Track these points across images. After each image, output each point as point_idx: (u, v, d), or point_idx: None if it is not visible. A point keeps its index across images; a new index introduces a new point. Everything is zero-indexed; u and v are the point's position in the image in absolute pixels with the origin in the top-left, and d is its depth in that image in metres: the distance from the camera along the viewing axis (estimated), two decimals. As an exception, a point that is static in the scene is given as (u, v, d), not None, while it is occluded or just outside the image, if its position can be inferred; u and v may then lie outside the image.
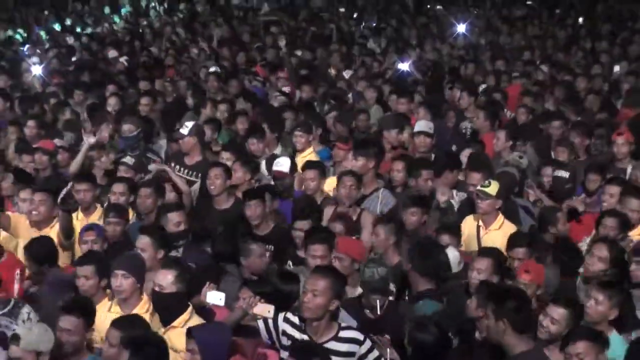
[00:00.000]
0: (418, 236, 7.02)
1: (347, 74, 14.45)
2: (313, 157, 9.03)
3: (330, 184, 8.25)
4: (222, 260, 6.85)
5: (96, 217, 7.74)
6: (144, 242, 6.54)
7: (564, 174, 8.31)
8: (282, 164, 8.40)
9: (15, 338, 5.04)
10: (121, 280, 5.88)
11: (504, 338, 5.17)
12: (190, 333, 5.02)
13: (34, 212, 7.43)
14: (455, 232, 7.25)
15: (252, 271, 6.70)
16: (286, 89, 12.86)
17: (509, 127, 10.05)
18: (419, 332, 5.28)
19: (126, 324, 5.27)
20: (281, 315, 5.40)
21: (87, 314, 5.42)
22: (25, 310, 5.98)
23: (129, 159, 8.76)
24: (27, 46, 17.65)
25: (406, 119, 10.29)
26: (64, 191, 7.24)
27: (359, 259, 6.49)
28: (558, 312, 5.42)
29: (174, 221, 7.15)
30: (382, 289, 6.01)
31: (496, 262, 6.38)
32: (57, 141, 9.42)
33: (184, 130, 8.84)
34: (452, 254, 6.70)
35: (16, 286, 6.55)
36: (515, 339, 5.17)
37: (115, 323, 5.30)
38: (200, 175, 8.61)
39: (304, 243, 6.71)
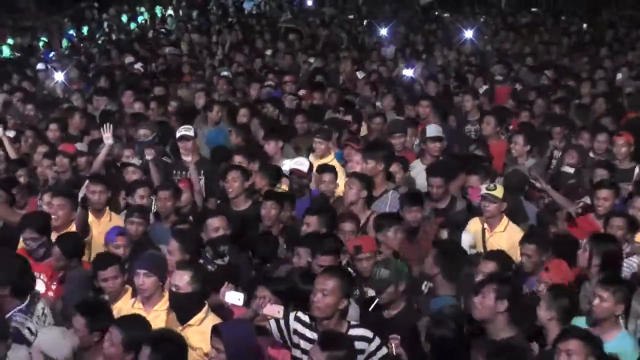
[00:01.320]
0: (445, 242, 6.95)
1: (360, 74, 14.53)
2: (334, 163, 8.97)
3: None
4: (264, 263, 6.85)
5: (106, 219, 7.81)
6: (173, 245, 6.59)
7: (569, 169, 8.35)
8: (302, 164, 8.39)
9: (33, 334, 5.11)
10: (143, 279, 5.94)
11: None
12: (215, 330, 5.00)
13: (54, 217, 7.41)
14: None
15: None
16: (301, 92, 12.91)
17: (526, 131, 9.96)
18: (437, 329, 5.28)
19: (127, 323, 5.22)
20: (292, 314, 5.42)
21: (97, 315, 5.37)
22: (40, 305, 5.98)
23: (136, 160, 8.81)
24: (51, 54, 17.76)
25: (413, 124, 10.33)
26: (83, 188, 7.29)
27: (376, 251, 6.59)
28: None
29: (214, 226, 7.11)
30: (379, 290, 5.99)
31: (501, 265, 6.40)
32: (78, 145, 9.49)
33: (189, 132, 8.93)
34: (465, 237, 6.78)
35: (53, 286, 6.71)
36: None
37: (116, 322, 5.26)
38: (202, 173, 8.74)
39: (311, 250, 6.61)
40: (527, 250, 6.79)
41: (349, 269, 6.48)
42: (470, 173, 8.24)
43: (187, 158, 8.86)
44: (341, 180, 8.39)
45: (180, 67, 16.18)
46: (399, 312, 5.92)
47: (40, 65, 15.91)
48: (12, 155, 9.69)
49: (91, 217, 7.72)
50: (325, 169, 8.40)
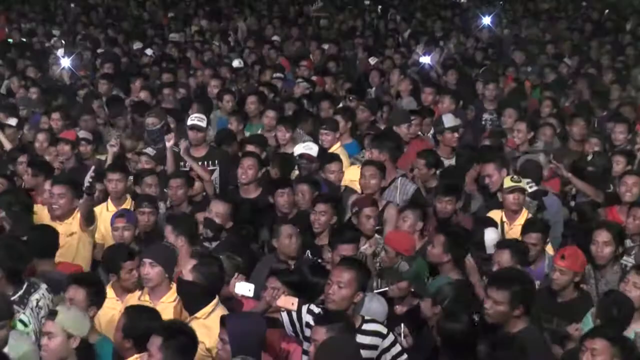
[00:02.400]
0: (453, 228, 7.00)
1: (372, 60, 14.50)
2: (340, 152, 9.00)
3: (353, 174, 8.34)
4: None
5: (127, 207, 7.77)
6: (167, 230, 6.70)
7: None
8: (312, 148, 8.42)
9: (53, 314, 5.07)
10: (148, 269, 5.94)
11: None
12: (222, 321, 5.03)
13: (54, 206, 7.40)
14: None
15: (283, 252, 6.74)
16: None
17: (529, 118, 9.99)
18: (449, 322, 5.30)
19: (131, 311, 5.35)
20: (305, 307, 5.42)
21: (95, 289, 5.47)
22: (36, 297, 5.83)
23: (150, 150, 8.84)
24: (54, 39, 17.77)
25: (429, 113, 10.32)
26: (88, 176, 7.28)
27: (407, 254, 6.59)
28: None
29: (215, 211, 7.22)
30: (392, 281, 6.06)
31: (516, 253, 6.42)
32: (81, 133, 9.44)
33: (202, 123, 8.92)
34: (490, 236, 6.80)
35: None
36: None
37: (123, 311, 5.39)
38: (217, 162, 8.77)
39: (329, 241, 6.73)
40: (532, 239, 6.83)
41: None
42: (486, 161, 8.22)
43: (186, 150, 8.67)
44: (345, 169, 8.45)
45: (185, 54, 16.20)
46: (411, 309, 5.96)
47: (60, 52, 15.94)
48: (7, 145, 9.60)
49: (112, 207, 7.78)
50: (332, 158, 8.42)
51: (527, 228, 7.00)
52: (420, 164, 8.31)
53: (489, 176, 8.02)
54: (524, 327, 5.37)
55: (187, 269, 5.65)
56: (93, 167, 7.54)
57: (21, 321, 5.63)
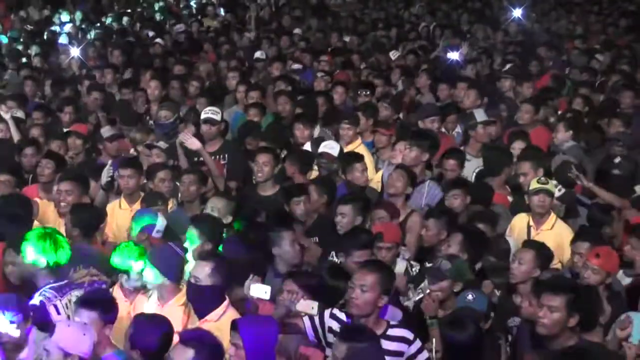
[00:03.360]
0: (469, 226, 7.01)
1: (393, 54, 14.46)
2: (361, 150, 9.04)
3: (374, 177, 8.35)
4: None
5: (140, 205, 7.72)
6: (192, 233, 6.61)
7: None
8: (333, 147, 8.40)
9: (59, 313, 5.13)
10: (148, 271, 5.94)
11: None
12: (234, 325, 5.03)
13: (62, 203, 7.40)
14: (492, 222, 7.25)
15: (286, 261, 6.58)
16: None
17: (566, 117, 9.98)
18: (453, 331, 5.25)
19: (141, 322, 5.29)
20: (327, 312, 5.41)
21: (106, 308, 5.41)
22: (74, 294, 5.84)
23: (162, 143, 8.84)
24: (66, 25, 17.84)
25: (454, 109, 10.30)
26: (106, 171, 7.28)
27: (399, 242, 6.63)
28: None
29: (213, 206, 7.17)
30: (433, 281, 6.01)
31: (540, 256, 6.39)
32: (104, 130, 9.44)
33: (216, 116, 8.91)
34: (512, 242, 6.82)
35: None
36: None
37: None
38: (227, 157, 8.78)
39: (344, 245, 6.66)
40: (581, 249, 6.73)
41: None
42: (522, 159, 8.19)
43: (199, 144, 8.61)
44: (369, 169, 8.46)
45: (198, 45, 16.22)
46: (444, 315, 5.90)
47: (63, 39, 16.02)
48: (16, 136, 9.64)
49: (125, 204, 7.77)
50: (354, 157, 8.38)
51: (577, 237, 6.90)
52: (450, 164, 8.28)
53: (524, 175, 7.97)
54: (578, 341, 5.22)
55: (204, 272, 5.63)
56: (111, 162, 7.49)
57: (55, 307, 5.66)
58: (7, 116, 9.67)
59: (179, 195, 8.01)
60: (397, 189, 7.72)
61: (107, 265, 6.24)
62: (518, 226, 7.61)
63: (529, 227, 7.54)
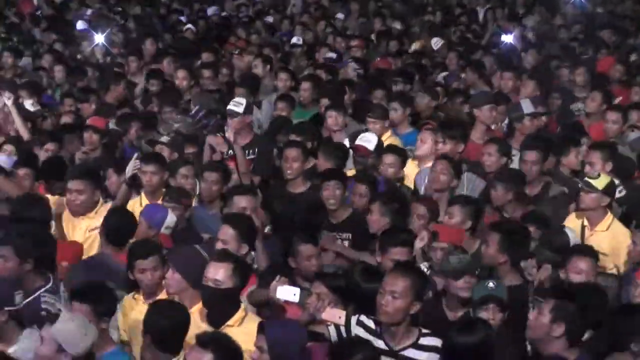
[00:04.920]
0: (509, 224, 6.95)
1: (435, 44, 14.37)
2: (392, 140, 9.05)
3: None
4: None
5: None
6: (228, 233, 6.50)
7: None
8: (369, 140, 8.35)
9: (55, 317, 5.15)
10: (170, 273, 5.95)
11: None
12: (261, 328, 5.06)
13: (74, 202, 7.39)
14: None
15: (301, 274, 6.50)
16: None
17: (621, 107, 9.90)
18: (461, 336, 5.19)
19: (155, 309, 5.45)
20: (354, 318, 5.41)
21: (100, 301, 5.50)
22: (62, 287, 6.06)
23: (164, 138, 8.86)
24: (89, 11, 18.01)
25: (504, 98, 10.25)
26: (131, 165, 7.26)
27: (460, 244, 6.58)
28: None
29: (240, 206, 7.13)
30: (472, 271, 6.01)
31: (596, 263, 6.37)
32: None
33: (237, 108, 8.90)
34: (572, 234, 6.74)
35: None
36: None
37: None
38: (256, 151, 8.80)
39: (379, 243, 6.64)
40: None
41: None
42: (594, 148, 8.16)
43: (230, 136, 8.68)
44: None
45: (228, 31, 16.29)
46: (463, 315, 5.90)
47: (80, 25, 16.19)
48: (25, 135, 9.53)
49: (145, 201, 7.76)
50: (387, 149, 8.38)
51: None
52: (492, 150, 8.27)
53: (591, 164, 7.94)
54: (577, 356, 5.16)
55: (224, 274, 5.60)
56: (136, 155, 7.51)
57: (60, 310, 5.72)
58: (9, 102, 9.67)
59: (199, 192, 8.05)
60: (442, 184, 7.71)
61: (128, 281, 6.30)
62: (572, 225, 7.48)
63: (583, 227, 7.47)
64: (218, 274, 5.60)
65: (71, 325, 5.04)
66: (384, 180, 8.15)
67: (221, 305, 5.63)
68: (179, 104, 10.34)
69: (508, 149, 8.45)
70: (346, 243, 7.37)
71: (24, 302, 5.76)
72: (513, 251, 6.45)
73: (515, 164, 8.51)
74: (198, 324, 5.61)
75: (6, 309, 5.42)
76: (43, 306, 5.88)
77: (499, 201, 7.59)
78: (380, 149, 8.39)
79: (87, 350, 5.05)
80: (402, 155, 8.34)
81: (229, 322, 5.59)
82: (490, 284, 5.81)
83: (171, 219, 7.03)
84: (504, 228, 6.62)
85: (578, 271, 6.28)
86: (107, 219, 6.85)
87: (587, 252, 6.45)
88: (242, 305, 5.71)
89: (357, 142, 8.38)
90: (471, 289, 5.92)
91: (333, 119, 9.37)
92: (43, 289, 6.01)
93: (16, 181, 7.88)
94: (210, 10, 18.45)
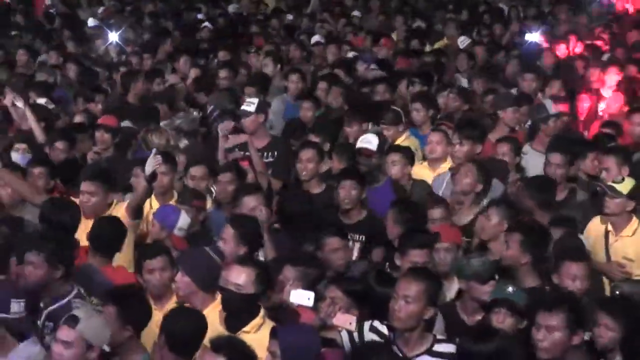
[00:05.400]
0: (529, 224, 6.91)
1: (462, 42, 14.31)
2: (408, 141, 9.08)
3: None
4: None
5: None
6: (228, 233, 6.62)
7: None
8: (370, 141, 8.33)
9: (73, 320, 5.15)
10: (179, 277, 5.99)
11: None
12: (274, 333, 5.09)
13: (86, 205, 7.35)
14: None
15: (332, 267, 6.64)
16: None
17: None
18: (476, 344, 5.15)
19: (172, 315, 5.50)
20: (367, 324, 5.42)
21: (129, 305, 5.53)
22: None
23: (182, 144, 8.93)
24: (101, 9, 18.09)
25: (527, 100, 10.23)
26: (151, 161, 7.13)
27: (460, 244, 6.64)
28: None
29: (249, 206, 7.16)
30: (492, 276, 6.01)
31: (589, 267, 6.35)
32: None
33: (249, 107, 8.86)
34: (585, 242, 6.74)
35: None
36: None
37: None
38: (275, 154, 8.77)
39: (398, 245, 6.67)
40: None
41: None
42: (608, 152, 8.10)
43: (242, 138, 8.67)
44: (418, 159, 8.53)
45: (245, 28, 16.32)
46: (482, 319, 5.88)
47: (92, 22, 16.26)
48: (40, 136, 9.39)
49: (155, 203, 7.79)
50: (390, 148, 8.42)
51: None
52: (505, 149, 8.29)
53: (607, 170, 7.91)
54: None
55: (247, 279, 5.62)
56: (154, 150, 7.47)
57: None
58: (20, 104, 9.66)
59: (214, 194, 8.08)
60: (464, 187, 7.70)
61: None
62: (595, 230, 7.51)
63: (606, 232, 7.44)
64: (240, 278, 5.63)
65: (93, 320, 5.17)
66: (390, 180, 8.16)
67: (240, 310, 5.66)
68: (175, 104, 10.39)
69: (519, 147, 8.51)
70: (358, 245, 7.39)
71: (51, 307, 5.91)
72: (535, 251, 6.41)
73: (524, 162, 8.59)
74: (215, 327, 5.65)
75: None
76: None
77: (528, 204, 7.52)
78: (383, 148, 8.41)
79: (109, 341, 5.16)
80: (407, 153, 8.34)
81: (246, 328, 5.61)
82: (510, 289, 5.79)
83: (184, 220, 7.06)
84: (525, 227, 6.59)
85: (571, 277, 6.22)
86: (94, 227, 6.82)
87: (579, 257, 6.39)
88: (261, 312, 5.71)
89: (358, 144, 8.39)
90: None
91: (350, 128, 9.32)
92: (71, 295, 6.03)
93: (31, 180, 7.92)
94: (232, 8, 18.50)
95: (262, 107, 9.01)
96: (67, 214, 6.93)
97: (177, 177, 8.15)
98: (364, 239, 7.45)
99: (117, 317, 5.42)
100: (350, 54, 13.31)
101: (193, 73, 11.55)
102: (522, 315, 5.71)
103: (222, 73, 11.72)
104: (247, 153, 8.53)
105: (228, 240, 6.57)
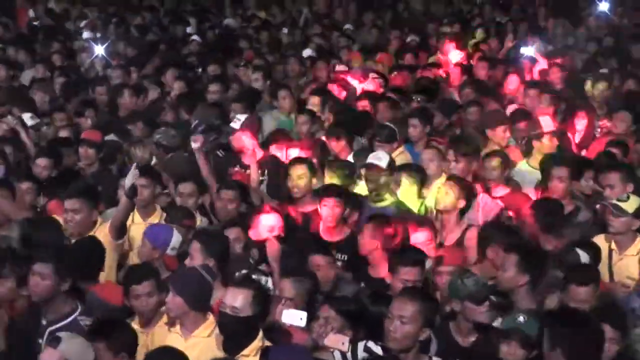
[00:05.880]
0: (525, 245, 6.92)
1: (455, 55, 14.23)
2: (401, 157, 9.08)
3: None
4: None
5: (156, 220, 7.83)
6: (193, 247, 6.67)
7: None
8: (380, 158, 8.31)
9: (56, 340, 5.19)
10: (170, 297, 5.95)
11: None
12: (265, 353, 5.10)
13: (69, 223, 7.37)
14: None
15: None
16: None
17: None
18: None
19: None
20: (361, 344, 5.41)
21: (117, 338, 5.50)
22: None
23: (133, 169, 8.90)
24: (84, 22, 18.06)
25: (522, 113, 10.25)
26: (130, 175, 7.19)
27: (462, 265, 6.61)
28: None
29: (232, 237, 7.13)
30: (486, 296, 6.00)
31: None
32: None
33: (235, 124, 8.92)
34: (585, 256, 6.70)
35: None
36: None
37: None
38: (266, 172, 8.80)
39: (389, 263, 6.67)
40: None
41: None
42: (611, 169, 8.08)
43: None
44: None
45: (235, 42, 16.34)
46: (476, 340, 5.88)
47: (87, 34, 16.23)
48: (31, 149, 9.55)
49: (138, 218, 7.82)
50: (403, 168, 8.40)
51: None
52: (494, 163, 8.38)
53: (610, 187, 7.90)
54: None
55: (243, 301, 5.58)
56: (135, 164, 7.50)
57: None
58: (13, 123, 9.77)
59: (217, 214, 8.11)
60: (446, 205, 7.72)
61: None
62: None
63: (610, 250, 7.39)
64: (237, 300, 5.60)
65: (74, 342, 5.19)
66: (397, 202, 8.15)
67: (238, 334, 5.63)
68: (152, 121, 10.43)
69: (508, 160, 8.56)
70: (339, 264, 7.36)
71: (56, 326, 5.91)
72: (533, 272, 6.40)
73: (521, 178, 8.66)
74: (213, 351, 5.65)
75: None
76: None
77: (532, 230, 7.50)
78: (392, 166, 8.39)
79: None
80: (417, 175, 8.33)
81: (245, 352, 5.58)
82: (520, 318, 5.74)
83: (177, 239, 7.03)
84: (522, 249, 6.57)
85: (578, 301, 6.19)
86: (72, 251, 6.80)
87: (586, 280, 6.34)
88: (260, 335, 5.67)
89: (368, 160, 8.37)
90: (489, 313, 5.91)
91: (336, 144, 9.34)
92: (77, 312, 6.06)
93: (18, 195, 7.99)
94: (228, 21, 18.52)
95: (251, 122, 9.02)
96: (47, 233, 6.97)
97: (158, 192, 8.15)
98: (345, 258, 7.45)
99: (108, 349, 5.40)
100: (338, 68, 13.31)
101: (177, 87, 11.52)
102: (533, 346, 5.66)
103: (213, 87, 11.72)
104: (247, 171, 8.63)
105: (195, 255, 6.60)
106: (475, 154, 8.46)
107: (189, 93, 11.51)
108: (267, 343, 5.67)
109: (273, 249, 7.31)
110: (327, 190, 7.79)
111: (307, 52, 14.62)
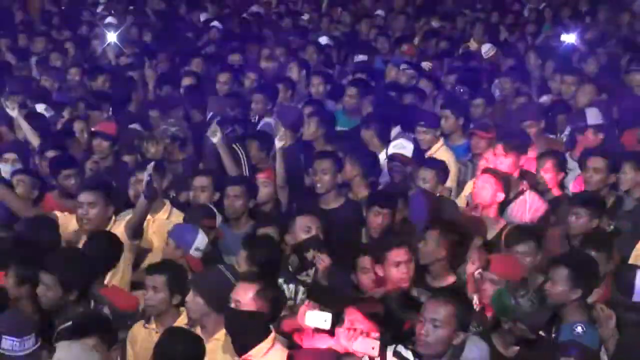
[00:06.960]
0: (578, 254, 6.82)
1: (487, 51, 14.06)
2: (443, 153, 9.02)
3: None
4: None
5: (164, 215, 7.86)
6: (241, 254, 6.77)
7: None
8: (404, 147, 8.33)
9: (51, 351, 5.22)
10: (190, 297, 6.03)
11: None
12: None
13: (84, 218, 7.38)
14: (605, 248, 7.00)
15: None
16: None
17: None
18: None
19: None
20: (390, 349, 5.38)
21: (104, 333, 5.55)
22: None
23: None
24: (100, 7, 18.14)
25: (561, 104, 10.27)
26: (148, 170, 7.18)
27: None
28: None
29: (304, 226, 7.16)
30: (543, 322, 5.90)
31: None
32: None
33: (401, 149, 8.76)
34: None
35: None
36: None
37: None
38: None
39: (375, 256, 6.64)
40: None
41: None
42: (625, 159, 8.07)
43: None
44: (452, 175, 8.52)
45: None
46: (521, 350, 5.81)
47: (110, 19, 16.31)
48: (34, 141, 9.48)
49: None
50: (425, 162, 8.38)
51: None
52: (548, 165, 8.22)
53: (624, 174, 7.92)
54: None
55: (247, 295, 5.66)
56: (152, 163, 7.49)
57: None
58: (13, 113, 9.70)
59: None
60: (483, 199, 7.67)
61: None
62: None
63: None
64: (239, 293, 5.70)
65: (70, 351, 5.17)
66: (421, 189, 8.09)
67: (241, 331, 5.62)
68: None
69: (565, 162, 8.45)
70: None
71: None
72: (585, 286, 6.27)
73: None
74: (225, 351, 5.73)
75: None
76: None
77: (578, 230, 7.40)
78: (419, 157, 8.41)
79: None
80: (442, 170, 8.29)
81: (251, 352, 5.56)
82: (579, 329, 5.71)
83: (202, 240, 7.08)
84: (573, 261, 6.45)
85: None
86: (86, 244, 6.89)
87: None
88: (271, 336, 5.65)
89: (391, 150, 8.34)
90: None
91: (370, 137, 9.39)
92: None
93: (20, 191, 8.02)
94: (255, 8, 18.57)
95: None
96: (43, 232, 7.00)
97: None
98: None
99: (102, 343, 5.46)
100: (359, 58, 13.37)
101: (186, 82, 11.59)
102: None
103: (222, 77, 11.78)
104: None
105: (241, 263, 6.67)
106: (524, 148, 8.36)
107: (196, 87, 11.57)
108: (279, 345, 5.67)
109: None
110: (377, 197, 7.79)
111: (323, 40, 14.60)
